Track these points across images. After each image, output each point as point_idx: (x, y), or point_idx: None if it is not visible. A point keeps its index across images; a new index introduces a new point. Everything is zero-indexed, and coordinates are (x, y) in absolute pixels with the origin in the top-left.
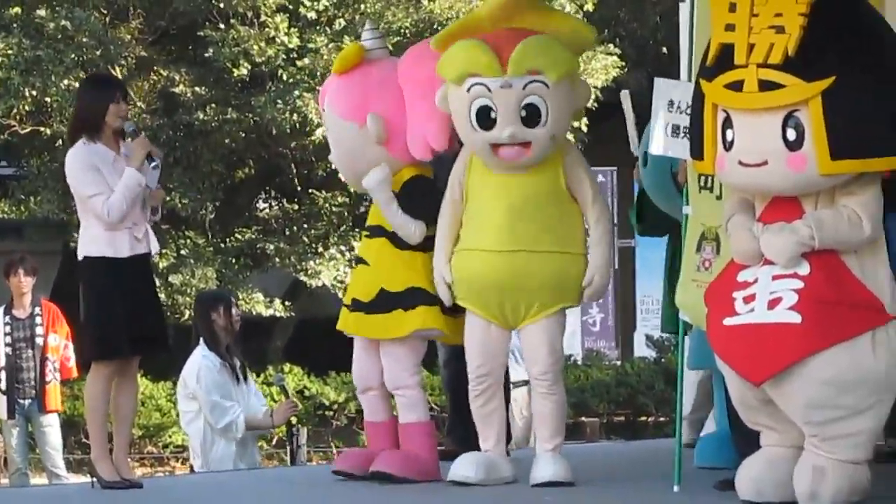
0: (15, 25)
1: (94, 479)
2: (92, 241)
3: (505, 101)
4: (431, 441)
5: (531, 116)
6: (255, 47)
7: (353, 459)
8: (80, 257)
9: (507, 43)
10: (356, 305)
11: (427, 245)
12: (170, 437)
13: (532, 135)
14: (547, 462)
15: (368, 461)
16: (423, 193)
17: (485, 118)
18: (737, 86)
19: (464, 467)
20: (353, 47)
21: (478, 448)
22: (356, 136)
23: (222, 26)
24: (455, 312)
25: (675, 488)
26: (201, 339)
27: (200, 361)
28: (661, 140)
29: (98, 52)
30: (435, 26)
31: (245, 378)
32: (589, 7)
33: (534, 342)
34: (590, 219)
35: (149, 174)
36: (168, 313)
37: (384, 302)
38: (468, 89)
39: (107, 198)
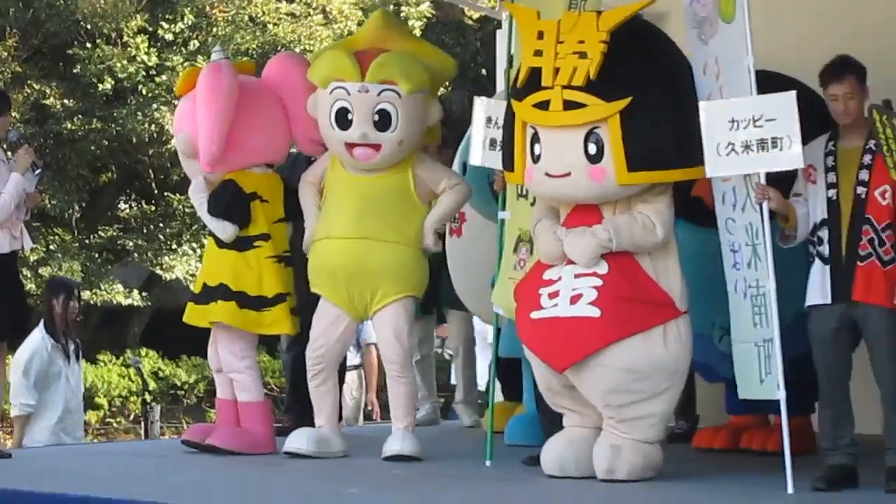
0: None
1: None
2: None
3: (360, 105)
4: (265, 418)
5: (383, 121)
6: (119, 65)
7: (199, 432)
8: None
9: (369, 56)
10: (191, 296)
11: (243, 244)
12: None
13: (382, 138)
14: (397, 438)
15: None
16: (219, 195)
17: (342, 119)
18: (544, 105)
19: (297, 440)
20: (186, 70)
21: (313, 424)
22: (180, 152)
23: (89, 45)
24: (259, 307)
25: (488, 463)
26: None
27: (36, 340)
28: (480, 152)
29: None
30: (278, 48)
31: (77, 359)
32: (417, 32)
33: (381, 330)
34: (445, 193)
35: (30, 180)
36: (38, 302)
37: (204, 294)
38: (331, 91)
39: None
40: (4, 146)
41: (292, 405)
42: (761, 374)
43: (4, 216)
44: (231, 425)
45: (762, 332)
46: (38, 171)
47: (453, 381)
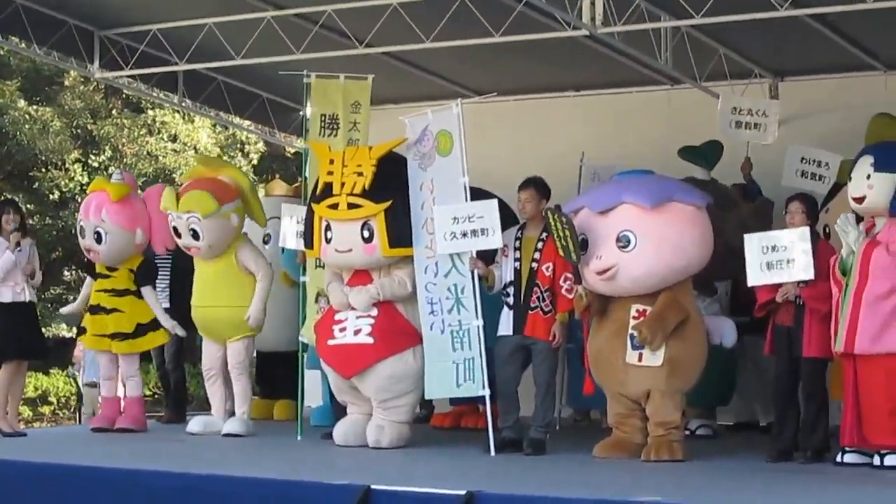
0: None
1: None
2: None
3: (181, 225)
4: (143, 407)
5: (195, 234)
6: (62, 182)
7: (103, 420)
8: None
9: (184, 192)
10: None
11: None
12: None
13: (196, 244)
14: (231, 422)
15: (111, 420)
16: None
17: (176, 233)
18: (335, 206)
19: (193, 424)
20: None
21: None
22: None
23: (44, 170)
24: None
25: (299, 437)
26: None
27: None
28: (292, 240)
29: None
30: (167, 171)
31: None
32: (255, 160)
33: (229, 351)
34: (257, 282)
35: (21, 256)
36: None
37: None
38: (169, 215)
39: None
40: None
41: (169, 403)
42: (458, 380)
43: None
44: (116, 413)
45: (462, 354)
46: (19, 250)
47: None
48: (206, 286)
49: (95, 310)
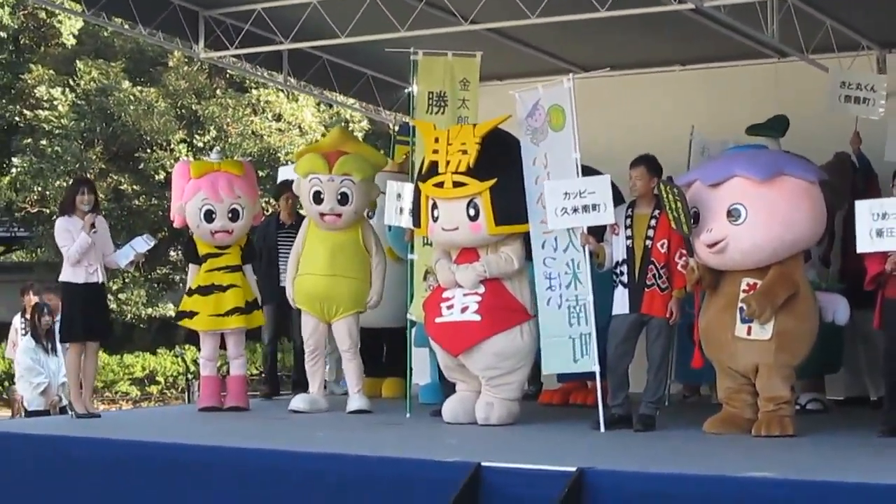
0: (28, 150)
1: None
2: (63, 272)
3: (329, 189)
4: (246, 386)
5: (343, 199)
6: (168, 163)
7: (210, 400)
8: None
9: (334, 157)
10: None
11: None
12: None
13: (343, 210)
14: (355, 399)
15: (216, 399)
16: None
17: (317, 198)
18: (440, 185)
19: (296, 402)
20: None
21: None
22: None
23: (149, 151)
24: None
25: (408, 415)
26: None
27: (23, 342)
28: (393, 216)
29: (77, 165)
30: (271, 152)
31: (55, 351)
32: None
33: (340, 330)
34: (373, 263)
35: (140, 246)
36: (116, 315)
37: None
38: (309, 180)
39: (68, 248)
40: (86, 213)
41: (269, 379)
42: (575, 355)
43: (73, 260)
44: (219, 393)
45: (578, 329)
46: (152, 243)
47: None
48: (325, 255)
49: (209, 290)
